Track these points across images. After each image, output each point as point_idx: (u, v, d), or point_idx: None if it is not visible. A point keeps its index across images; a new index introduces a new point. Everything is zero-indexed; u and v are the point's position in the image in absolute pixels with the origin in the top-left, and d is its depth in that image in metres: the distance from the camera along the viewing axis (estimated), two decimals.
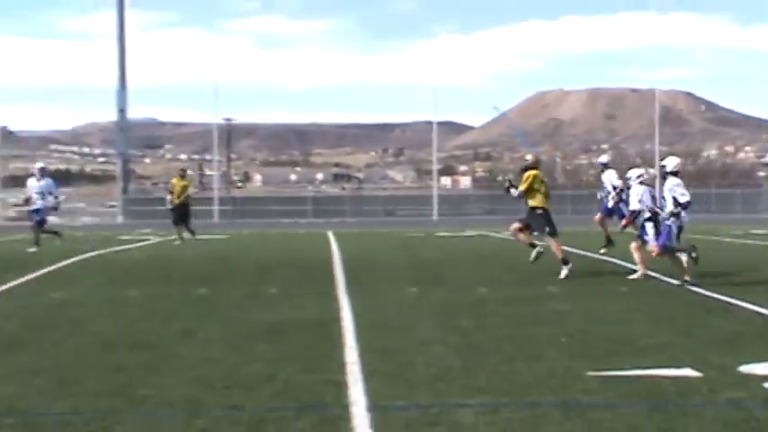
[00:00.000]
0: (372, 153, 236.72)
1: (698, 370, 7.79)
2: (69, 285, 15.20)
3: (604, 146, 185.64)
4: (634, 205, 15.97)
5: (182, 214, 27.70)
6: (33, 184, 24.54)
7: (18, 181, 47.08)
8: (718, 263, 17.38)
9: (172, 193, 27.87)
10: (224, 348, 9.15)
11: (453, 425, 6.15)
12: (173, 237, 27.66)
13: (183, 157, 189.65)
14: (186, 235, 27.46)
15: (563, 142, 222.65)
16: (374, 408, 6.57)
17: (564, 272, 15.86)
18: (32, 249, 23.28)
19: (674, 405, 6.70)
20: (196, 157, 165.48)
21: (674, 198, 14.69)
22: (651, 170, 19.07)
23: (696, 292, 13.58)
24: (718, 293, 13.17)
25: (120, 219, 51.62)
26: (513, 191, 16.85)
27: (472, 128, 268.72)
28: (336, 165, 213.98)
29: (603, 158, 23.54)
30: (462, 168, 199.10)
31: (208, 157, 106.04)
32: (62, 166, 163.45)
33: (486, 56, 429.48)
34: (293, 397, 7.02)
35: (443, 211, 52.20)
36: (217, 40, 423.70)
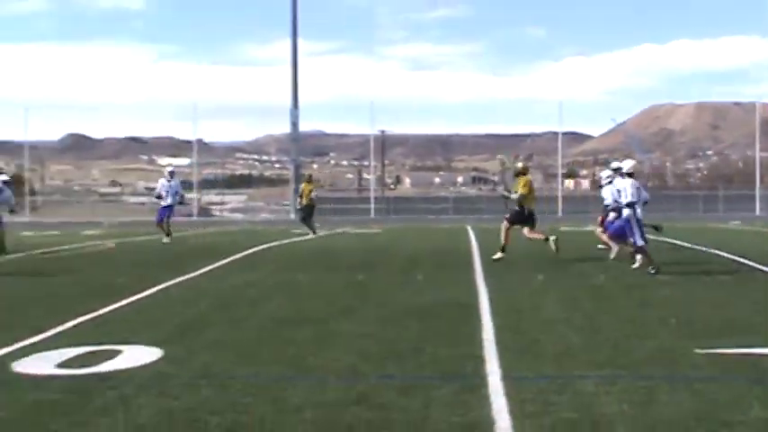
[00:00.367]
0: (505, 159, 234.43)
1: None
2: (250, 271, 15.56)
3: (709, 152, 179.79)
4: (608, 200, 16.82)
5: (308, 213, 27.40)
6: (164, 184, 24.52)
7: (205, 184, 48.24)
8: None
9: (301, 196, 27.74)
10: (379, 325, 9.22)
11: (576, 393, 6.07)
12: (305, 234, 26.74)
13: (344, 163, 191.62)
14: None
15: (673, 149, 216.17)
16: (507, 378, 6.54)
17: (498, 254, 16.46)
18: (166, 240, 23.25)
19: None
20: (356, 163, 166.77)
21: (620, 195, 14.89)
22: (607, 170, 18.71)
23: None
24: None
25: (292, 215, 52.48)
26: (513, 195, 16.65)
27: (592, 137, 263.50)
28: (474, 169, 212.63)
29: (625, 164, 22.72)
30: (583, 172, 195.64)
31: (365, 163, 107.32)
32: (245, 171, 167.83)
33: (604, 74, 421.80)
34: (438, 368, 7.03)
35: (567, 209, 51.40)
36: (373, 64, 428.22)
